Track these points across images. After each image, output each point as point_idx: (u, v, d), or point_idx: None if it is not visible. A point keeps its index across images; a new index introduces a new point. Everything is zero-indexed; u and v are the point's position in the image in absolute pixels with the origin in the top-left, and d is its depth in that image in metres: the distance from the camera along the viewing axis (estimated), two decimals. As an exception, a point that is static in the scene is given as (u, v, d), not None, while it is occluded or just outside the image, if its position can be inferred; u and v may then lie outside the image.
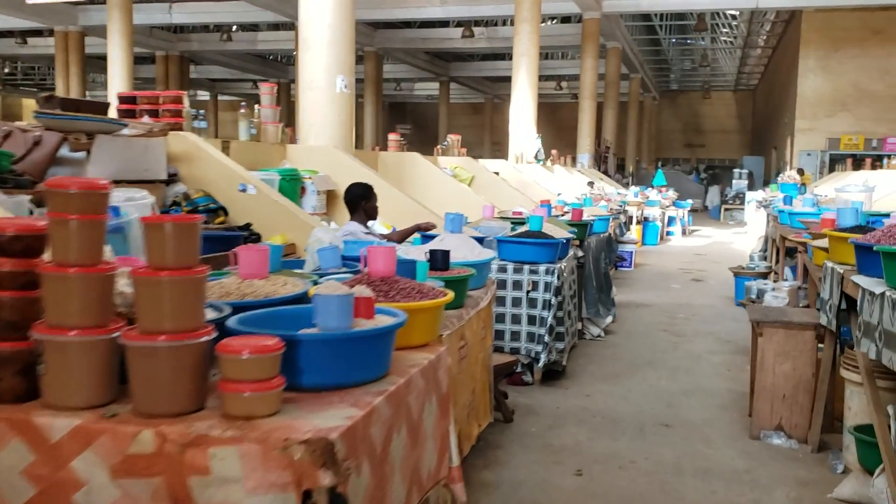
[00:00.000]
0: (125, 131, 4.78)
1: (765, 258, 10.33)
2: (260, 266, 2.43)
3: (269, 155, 6.97)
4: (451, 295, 2.61)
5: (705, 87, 37.01)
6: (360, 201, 4.96)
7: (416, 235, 5.05)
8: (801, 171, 20.81)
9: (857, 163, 18.72)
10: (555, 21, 25.37)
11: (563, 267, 5.42)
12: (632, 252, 11.52)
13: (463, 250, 3.81)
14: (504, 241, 5.29)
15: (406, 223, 5.59)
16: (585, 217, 6.97)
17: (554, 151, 18.02)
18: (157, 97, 6.14)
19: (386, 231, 5.87)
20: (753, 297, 5.99)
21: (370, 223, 5.08)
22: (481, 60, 32.98)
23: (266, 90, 7.77)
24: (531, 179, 12.85)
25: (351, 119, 7.78)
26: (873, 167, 17.35)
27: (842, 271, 3.77)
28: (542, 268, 5.23)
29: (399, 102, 43.82)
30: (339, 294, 1.92)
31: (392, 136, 9.38)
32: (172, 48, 27.54)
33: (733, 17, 26.32)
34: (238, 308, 2.09)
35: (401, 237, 5.09)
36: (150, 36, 25.64)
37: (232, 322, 1.92)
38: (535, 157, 15.48)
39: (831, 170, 20.27)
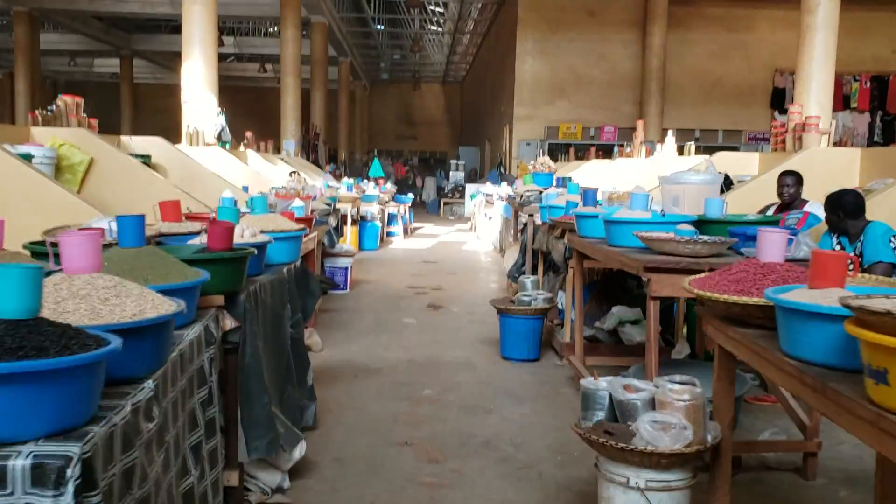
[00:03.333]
0: None
1: (520, 273, 7.33)
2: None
3: None
4: None
5: (416, 77, 34.88)
6: None
7: None
8: (499, 163, 18.81)
9: (579, 152, 16.97)
10: (251, -13, 21.16)
11: (131, 414, 1.64)
12: (347, 269, 7.97)
13: None
14: None
15: None
16: (245, 239, 3.19)
17: (249, 134, 13.96)
18: None
19: None
20: (602, 416, 2.66)
21: None
22: (170, 33, 27.53)
23: None
24: (207, 168, 8.78)
25: None
26: (598, 156, 15.60)
27: None
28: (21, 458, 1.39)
29: (79, 81, 36.45)
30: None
31: None
32: None
33: (444, 3, 24.09)
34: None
35: None
36: None
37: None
38: (219, 138, 11.37)
39: (552, 160, 18.46)
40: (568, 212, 5.20)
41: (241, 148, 12.98)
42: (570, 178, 7.48)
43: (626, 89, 18.58)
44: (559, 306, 5.85)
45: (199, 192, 8.29)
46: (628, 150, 13.18)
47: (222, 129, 11.41)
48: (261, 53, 29.49)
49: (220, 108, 11.48)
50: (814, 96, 11.05)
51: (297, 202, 5.46)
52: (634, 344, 5.18)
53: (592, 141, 18.41)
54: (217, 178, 8.44)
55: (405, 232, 14.38)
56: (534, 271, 7.12)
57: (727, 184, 7.70)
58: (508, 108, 19.56)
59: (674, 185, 4.50)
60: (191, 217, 5.14)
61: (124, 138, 8.33)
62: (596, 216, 4.14)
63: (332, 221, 7.80)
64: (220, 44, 25.60)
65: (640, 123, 13.07)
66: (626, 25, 18.40)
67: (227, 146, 11.60)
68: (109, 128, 30.57)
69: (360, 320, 6.60)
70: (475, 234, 14.97)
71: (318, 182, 10.51)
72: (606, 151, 16.38)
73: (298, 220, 5.14)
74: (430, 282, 8.89)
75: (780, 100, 18.96)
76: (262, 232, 3.57)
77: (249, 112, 33.59)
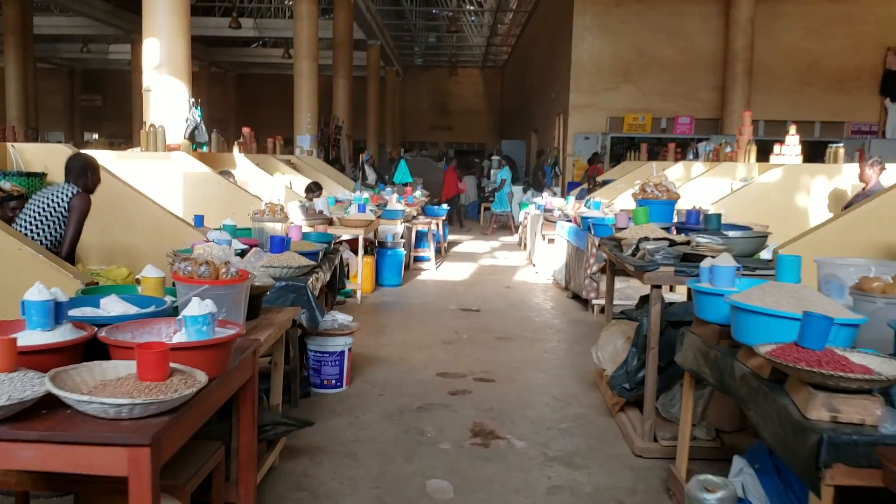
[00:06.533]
0: None
1: (634, 383, 4.29)
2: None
3: None
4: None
5: (452, 61, 31.73)
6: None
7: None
8: (554, 161, 15.69)
9: (652, 150, 13.75)
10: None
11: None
12: (343, 353, 4.99)
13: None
14: None
15: None
16: None
17: (246, 131, 11.05)
18: None
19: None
20: None
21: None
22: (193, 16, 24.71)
23: None
24: (141, 191, 5.84)
25: None
26: (676, 156, 12.43)
27: None
28: None
29: (95, 69, 34.00)
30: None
31: None
32: None
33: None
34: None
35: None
36: None
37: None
38: (191, 138, 8.46)
39: (615, 158, 15.28)
40: (811, 341, 2.13)
41: (236, 150, 10.08)
42: (718, 216, 4.34)
43: (704, 73, 15.28)
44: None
45: (120, 227, 5.41)
46: (728, 150, 9.97)
47: (196, 127, 8.48)
48: (284, 37, 26.61)
49: (192, 100, 8.57)
50: None
51: (194, 307, 2.44)
52: None
53: (664, 135, 15.17)
54: (153, 205, 5.51)
55: (438, 252, 11.35)
56: (661, 373, 4.07)
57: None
58: (562, 94, 16.38)
59: None
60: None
61: (11, 147, 5.44)
62: None
63: (320, 279, 4.81)
64: (237, 26, 22.82)
65: (746, 116, 9.82)
66: (705, -5, 15.10)
67: (205, 149, 8.72)
68: (124, 119, 27.75)
69: (349, 487, 3.60)
70: (525, 255, 11.90)
71: (319, 203, 7.53)
72: (682, 147, 13.19)
73: (188, 355, 2.20)
74: (471, 361, 5.86)
75: (892, 85, 15.48)
76: None
77: (273, 102, 30.76)
